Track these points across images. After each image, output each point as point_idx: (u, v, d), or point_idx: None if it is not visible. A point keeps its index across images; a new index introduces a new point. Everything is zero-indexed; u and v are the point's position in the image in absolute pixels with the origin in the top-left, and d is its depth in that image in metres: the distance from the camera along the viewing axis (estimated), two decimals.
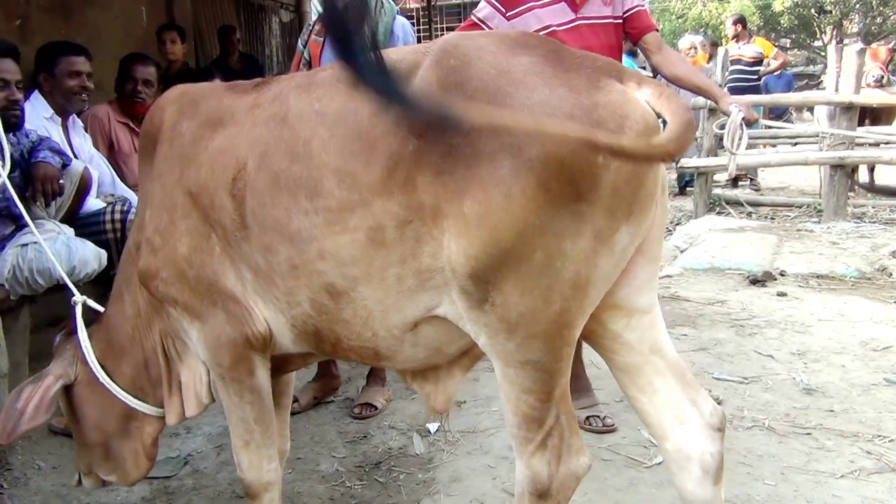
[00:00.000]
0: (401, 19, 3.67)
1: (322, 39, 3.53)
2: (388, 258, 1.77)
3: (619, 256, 1.73)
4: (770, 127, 9.23)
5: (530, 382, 1.78)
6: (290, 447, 3.43)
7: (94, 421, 2.40)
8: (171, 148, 2.13)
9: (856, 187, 8.91)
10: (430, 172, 1.67)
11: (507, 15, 3.26)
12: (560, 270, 1.65)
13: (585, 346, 3.63)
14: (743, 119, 3.30)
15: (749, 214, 8.53)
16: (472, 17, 3.36)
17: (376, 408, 3.76)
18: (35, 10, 5.59)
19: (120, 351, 2.35)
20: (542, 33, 3.21)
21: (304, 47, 3.57)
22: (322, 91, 1.89)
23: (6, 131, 2.77)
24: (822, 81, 15.95)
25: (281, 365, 2.31)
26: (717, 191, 9.05)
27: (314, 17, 3.73)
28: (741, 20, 11.22)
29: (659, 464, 3.11)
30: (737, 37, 10.76)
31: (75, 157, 3.89)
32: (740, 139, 3.35)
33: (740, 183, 10.27)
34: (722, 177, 9.05)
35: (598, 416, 3.44)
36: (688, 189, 9.99)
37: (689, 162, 8.40)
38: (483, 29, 3.31)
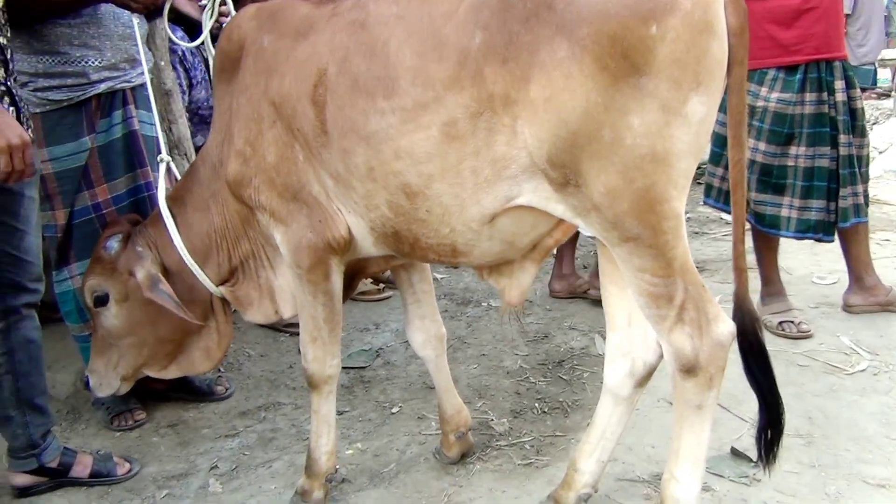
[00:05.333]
0: None
1: None
2: (462, 151, 1.83)
3: (697, 127, 1.68)
4: None
5: (640, 260, 1.77)
6: (474, 344, 3.59)
7: (171, 320, 2.46)
8: (255, 62, 2.19)
9: None
10: (497, 62, 1.73)
11: None
12: (632, 146, 1.66)
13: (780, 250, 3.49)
14: None
15: None
16: None
17: None
18: None
19: (204, 256, 2.46)
20: None
21: None
22: None
23: None
24: None
25: (364, 268, 2.40)
26: None
27: None
28: None
29: (862, 371, 2.95)
30: None
31: None
32: None
33: None
34: None
35: (793, 322, 3.29)
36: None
37: (891, 53, 7.60)
38: None
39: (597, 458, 2.15)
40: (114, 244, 2.49)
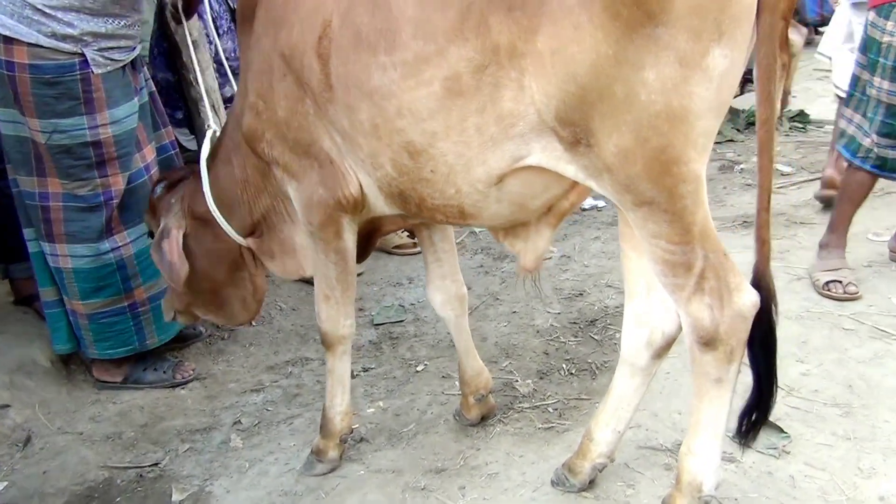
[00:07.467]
0: None
1: None
2: (466, 108, 1.73)
3: (719, 82, 1.54)
4: None
5: (655, 226, 1.67)
6: (506, 300, 3.51)
7: (202, 269, 2.51)
8: (266, 13, 2.12)
9: None
10: (502, 10, 1.62)
11: None
12: (647, 103, 1.54)
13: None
14: None
15: None
16: None
17: None
18: None
19: (229, 208, 2.43)
20: None
21: None
22: None
23: None
24: None
25: (380, 226, 2.34)
26: None
27: None
28: None
29: None
30: None
31: None
32: None
33: None
34: None
35: (840, 282, 3.11)
36: None
37: None
38: None
39: (613, 427, 2.07)
40: (158, 189, 2.55)
